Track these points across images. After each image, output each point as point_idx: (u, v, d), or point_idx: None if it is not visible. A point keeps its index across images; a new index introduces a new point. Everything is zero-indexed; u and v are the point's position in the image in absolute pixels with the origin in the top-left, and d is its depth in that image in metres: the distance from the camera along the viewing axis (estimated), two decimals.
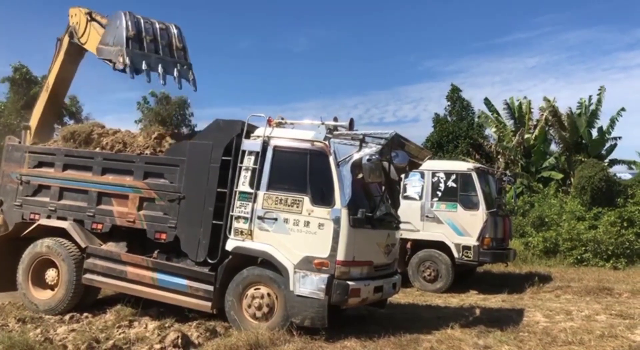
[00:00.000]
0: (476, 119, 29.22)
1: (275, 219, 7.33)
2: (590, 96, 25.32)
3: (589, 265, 16.99)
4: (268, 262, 7.40)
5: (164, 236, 8.02)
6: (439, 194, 12.78)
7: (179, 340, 6.59)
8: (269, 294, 7.34)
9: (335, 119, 7.43)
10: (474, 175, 12.55)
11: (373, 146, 7.29)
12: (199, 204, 7.79)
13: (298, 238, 7.19)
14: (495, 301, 10.99)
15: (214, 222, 7.69)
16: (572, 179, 22.94)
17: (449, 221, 12.36)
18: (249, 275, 7.48)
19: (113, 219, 8.41)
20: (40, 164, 9.10)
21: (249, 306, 7.39)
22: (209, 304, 7.63)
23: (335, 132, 7.42)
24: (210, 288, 7.61)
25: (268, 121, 7.76)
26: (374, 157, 7.06)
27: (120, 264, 8.17)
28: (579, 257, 17.43)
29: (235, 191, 7.60)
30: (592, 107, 25.08)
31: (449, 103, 30.97)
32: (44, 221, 8.75)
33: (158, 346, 6.46)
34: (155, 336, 6.91)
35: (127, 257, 8.19)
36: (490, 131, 28.27)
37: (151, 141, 9.03)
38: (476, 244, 12.17)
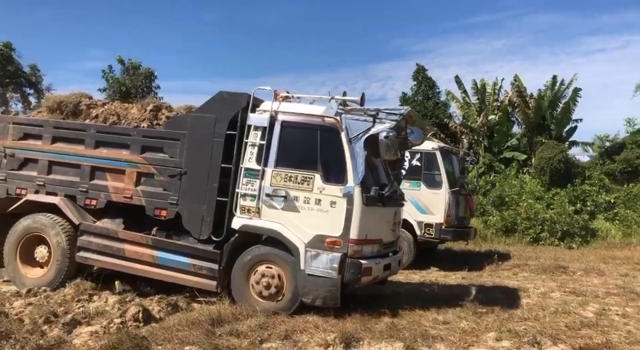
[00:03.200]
0: (442, 99, 29.45)
1: (285, 197, 7.14)
2: (554, 77, 25.70)
3: (545, 244, 17.48)
4: (274, 241, 7.24)
5: (164, 213, 7.76)
6: (403, 172, 12.87)
7: (140, 315, 6.50)
8: (277, 273, 7.18)
9: (344, 94, 7.26)
10: (438, 155, 12.66)
11: (387, 122, 7.11)
12: (202, 179, 7.53)
13: (309, 216, 7.03)
14: (455, 278, 11.21)
15: (218, 198, 7.47)
16: (533, 160, 23.44)
17: (412, 199, 12.47)
18: (256, 253, 7.30)
19: (108, 194, 8.07)
20: (26, 136, 8.58)
21: (257, 284, 7.20)
22: (214, 282, 7.42)
23: (346, 108, 7.25)
24: (215, 266, 7.40)
25: (275, 95, 7.48)
26: (391, 133, 6.87)
27: (118, 241, 7.86)
28: (535, 236, 17.90)
29: (241, 167, 7.36)
30: (556, 89, 25.52)
31: (415, 82, 31.08)
32: (32, 196, 8.33)
33: (118, 320, 6.36)
34: (116, 310, 6.80)
35: (124, 234, 7.89)
36: (456, 111, 28.57)
37: (147, 114, 8.63)
38: (438, 222, 12.35)
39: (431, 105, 28.70)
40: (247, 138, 7.38)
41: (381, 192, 7.17)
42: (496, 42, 69.61)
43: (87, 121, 8.65)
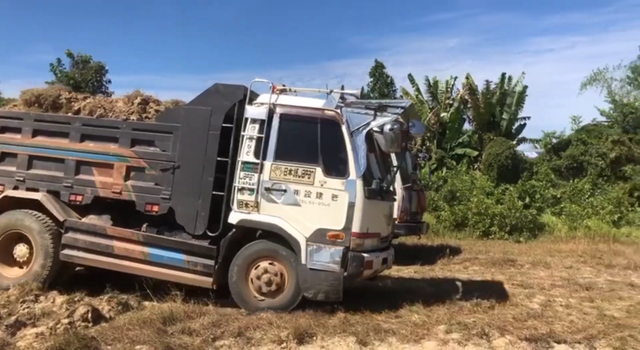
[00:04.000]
0: (397, 96, 29.77)
1: (284, 191, 7.06)
2: (503, 75, 26.33)
3: (494, 238, 17.94)
4: (271, 235, 7.15)
5: (156, 208, 7.58)
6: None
7: (89, 315, 6.38)
8: (278, 269, 7.11)
9: (342, 87, 7.29)
10: None
11: (388, 115, 7.11)
12: (197, 173, 7.39)
13: (310, 210, 6.96)
14: (408, 272, 11.37)
15: (214, 193, 7.33)
16: (482, 156, 24.01)
17: None
18: (256, 249, 7.21)
19: (95, 190, 7.82)
20: (3, 129, 8.24)
21: (257, 281, 7.10)
22: (210, 279, 7.27)
23: (346, 101, 7.20)
24: (211, 262, 7.26)
25: (272, 88, 7.38)
26: (396, 125, 6.92)
27: (106, 238, 7.61)
28: (485, 230, 18.36)
29: (239, 161, 7.25)
30: (504, 87, 26.17)
31: (371, 79, 31.32)
32: (10, 192, 7.98)
33: (66, 321, 6.22)
34: (64, 311, 6.64)
35: (113, 230, 7.65)
36: None
37: (135, 107, 8.33)
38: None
39: None
40: (244, 131, 7.27)
41: (382, 185, 7.23)
42: (450, 41, 71.05)
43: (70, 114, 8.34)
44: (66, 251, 7.72)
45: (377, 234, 7.48)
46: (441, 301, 7.74)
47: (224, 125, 7.37)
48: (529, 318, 6.89)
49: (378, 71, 31.03)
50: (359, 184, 6.90)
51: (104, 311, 6.75)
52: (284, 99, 7.35)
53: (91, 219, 7.85)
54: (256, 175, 7.13)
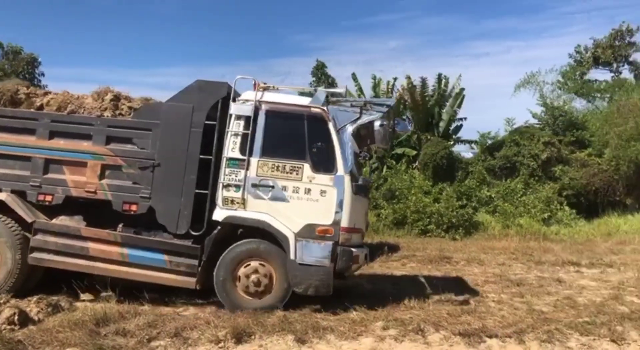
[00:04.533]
0: None
1: (272, 187, 7.07)
2: (439, 76, 26.93)
3: (432, 236, 18.37)
4: (256, 233, 7.12)
5: (134, 207, 7.33)
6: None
7: (15, 317, 6.12)
8: (266, 269, 7.07)
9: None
10: None
11: (374, 113, 7.25)
12: (179, 171, 7.21)
13: (298, 206, 7.01)
14: None
15: (196, 191, 7.12)
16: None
17: None
18: (243, 248, 7.13)
19: (67, 189, 7.45)
20: None
21: (245, 281, 7.03)
22: (193, 279, 7.12)
23: (332, 99, 7.24)
24: (194, 262, 7.11)
25: (254, 85, 7.34)
26: (385, 123, 7.10)
27: (80, 239, 7.29)
28: (423, 228, 18.76)
29: (223, 157, 7.15)
30: (442, 89, 26.80)
31: (314, 78, 31.38)
32: None
33: None
34: None
35: (88, 231, 7.33)
36: None
37: (107, 103, 7.94)
38: None
39: None
40: (229, 127, 7.19)
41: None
42: (392, 42, 72.15)
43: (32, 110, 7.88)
44: (35, 254, 7.35)
45: (360, 230, 7.66)
46: (379, 298, 7.86)
47: (206, 122, 7.27)
48: (462, 314, 7.09)
49: (320, 70, 31.11)
50: (347, 179, 7.03)
51: (32, 313, 6.48)
52: (268, 96, 7.37)
53: (62, 220, 7.50)
54: (242, 171, 7.09)
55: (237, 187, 7.10)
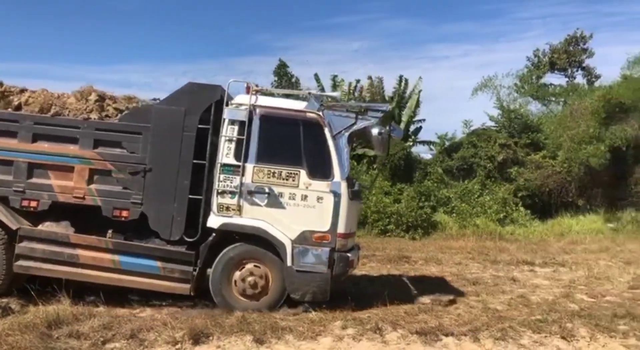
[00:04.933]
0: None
1: (268, 193, 6.99)
2: (400, 78, 27.23)
3: (391, 236, 18.56)
4: (251, 238, 7.05)
5: (125, 213, 7.12)
6: None
7: None
8: (262, 271, 7.04)
9: (322, 90, 7.26)
10: None
11: (370, 119, 7.21)
12: (171, 176, 7.05)
13: (295, 212, 6.97)
14: None
15: (190, 196, 7.02)
16: None
17: None
18: (239, 252, 7.06)
19: (53, 194, 7.16)
20: None
21: (241, 285, 6.99)
22: (187, 286, 7.00)
23: (327, 103, 7.17)
24: (189, 269, 7.01)
25: (247, 88, 7.24)
26: (384, 129, 7.13)
27: (69, 247, 7.05)
28: (383, 228, 18.94)
29: (218, 163, 7.03)
30: (402, 91, 27.11)
31: (276, 78, 31.27)
32: None
33: None
34: None
35: (77, 238, 7.09)
36: None
37: (92, 104, 7.64)
38: None
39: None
40: (223, 132, 7.06)
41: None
42: (354, 44, 72.34)
43: (10, 110, 7.53)
44: (21, 262, 7.10)
45: (354, 233, 7.71)
46: (340, 298, 7.90)
47: (199, 126, 7.11)
48: (420, 312, 7.19)
49: (282, 70, 31.03)
50: (344, 185, 7.01)
51: None
52: (264, 101, 7.29)
53: (49, 227, 7.25)
54: (237, 177, 6.99)
55: (233, 193, 7.01)
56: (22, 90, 7.99)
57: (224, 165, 7.05)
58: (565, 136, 22.46)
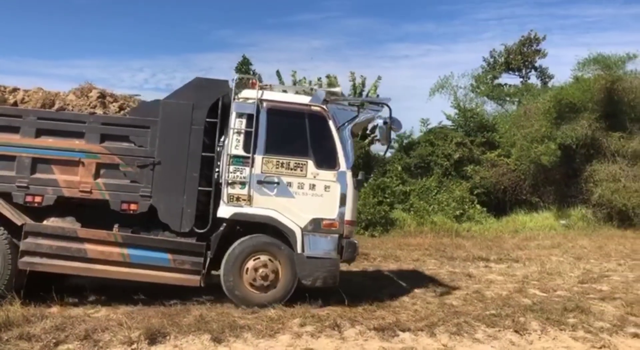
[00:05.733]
0: None
1: (277, 183, 7.23)
2: (362, 77, 27.41)
3: None
4: (258, 228, 7.23)
5: (134, 206, 7.13)
6: None
7: None
8: (271, 261, 7.21)
9: (328, 85, 7.35)
10: None
11: (371, 112, 7.80)
12: (180, 169, 7.15)
13: (304, 201, 7.23)
14: None
15: (199, 188, 7.12)
16: None
17: None
18: (250, 243, 7.21)
19: (59, 189, 7.06)
20: None
21: (252, 276, 7.14)
22: (197, 277, 7.11)
23: (330, 97, 7.54)
24: (199, 260, 7.12)
25: (252, 83, 7.56)
26: (388, 121, 7.58)
27: (77, 241, 6.97)
28: None
29: (227, 155, 7.21)
30: (361, 89, 27.29)
31: (237, 74, 31.01)
32: None
33: None
34: None
35: (85, 232, 7.02)
36: None
37: (94, 101, 7.58)
38: None
39: None
40: (231, 125, 7.27)
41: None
42: (314, 42, 72.39)
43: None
44: (26, 259, 6.96)
45: (355, 221, 7.99)
46: (298, 295, 7.91)
47: (207, 119, 7.28)
48: (378, 309, 7.29)
49: (245, 67, 30.80)
50: (349, 175, 7.36)
51: None
52: (270, 94, 7.53)
53: (55, 222, 7.13)
54: (247, 168, 7.20)
55: (243, 184, 7.21)
56: (15, 89, 7.91)
57: (234, 156, 7.25)
58: (518, 135, 23.06)
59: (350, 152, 7.50)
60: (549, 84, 30.64)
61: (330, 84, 26.35)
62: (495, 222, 21.60)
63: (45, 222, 7.16)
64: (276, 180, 7.27)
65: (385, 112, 7.94)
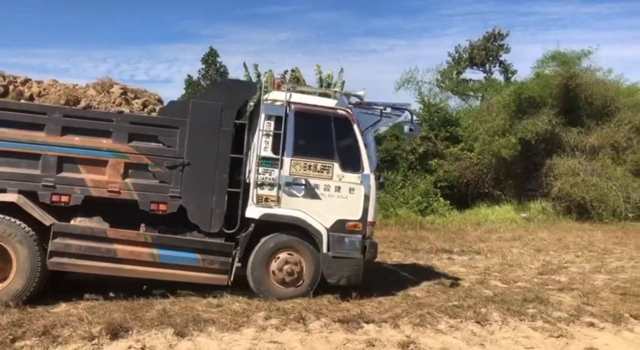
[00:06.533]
0: None
1: (305, 185, 7.35)
2: (328, 73, 27.40)
3: None
4: (284, 228, 7.35)
5: (163, 207, 7.08)
6: None
7: None
8: (297, 259, 7.36)
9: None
10: None
11: (392, 116, 8.13)
12: (210, 170, 7.16)
13: (330, 202, 7.40)
14: None
15: (229, 189, 7.18)
16: None
17: None
18: (277, 242, 7.35)
19: (86, 189, 6.90)
20: None
21: (278, 273, 7.28)
22: (225, 276, 7.21)
23: (353, 101, 7.74)
24: (227, 260, 7.22)
25: (277, 85, 7.62)
26: (413, 127, 7.95)
27: (106, 242, 6.89)
28: None
29: (256, 156, 7.28)
30: (327, 82, 27.27)
31: (203, 66, 30.64)
32: None
33: None
34: None
35: (115, 233, 6.94)
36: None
37: (117, 97, 7.42)
38: None
39: None
40: (260, 127, 7.34)
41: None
42: (282, 34, 72.17)
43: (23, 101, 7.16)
44: (55, 259, 6.81)
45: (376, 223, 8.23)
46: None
47: (236, 121, 7.33)
48: (342, 301, 7.33)
49: (211, 58, 30.45)
50: (372, 177, 7.57)
51: None
52: (297, 97, 7.62)
53: (81, 222, 6.97)
54: (276, 170, 7.32)
55: (272, 185, 7.32)
56: (27, 80, 7.70)
57: (263, 158, 7.34)
58: (481, 129, 23.44)
59: (374, 155, 7.79)
60: (512, 79, 31.19)
61: (296, 78, 26.27)
62: (459, 215, 21.94)
63: (72, 222, 7.01)
64: (303, 182, 7.41)
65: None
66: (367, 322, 6.39)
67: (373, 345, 5.70)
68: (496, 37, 34.23)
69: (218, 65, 30.69)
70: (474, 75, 34.30)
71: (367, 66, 65.79)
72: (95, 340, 5.42)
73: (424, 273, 10.20)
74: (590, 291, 8.57)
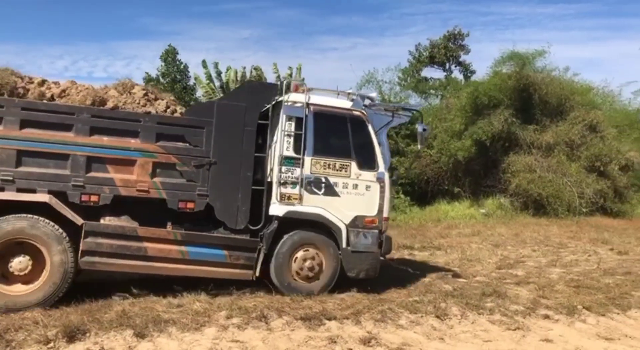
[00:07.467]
0: (191, 83, 29.13)
1: (325, 183, 7.69)
2: (290, 70, 27.43)
3: None
4: (304, 224, 7.64)
5: (191, 205, 7.30)
6: None
7: None
8: (317, 255, 7.66)
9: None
10: None
11: (404, 117, 8.56)
12: (235, 169, 7.42)
13: (348, 199, 7.78)
14: None
15: (253, 187, 7.43)
16: None
17: None
18: (299, 238, 7.64)
19: (115, 188, 7.01)
20: None
21: (300, 268, 7.60)
22: (250, 272, 7.49)
23: (367, 102, 8.05)
24: (253, 255, 7.49)
25: (295, 87, 7.78)
26: (426, 127, 8.44)
27: (136, 240, 7.05)
28: None
29: (279, 156, 7.55)
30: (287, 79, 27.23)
31: (163, 63, 30.17)
32: (4, 195, 6.57)
33: None
34: None
35: (145, 231, 7.11)
36: (201, 95, 28.58)
37: (140, 98, 7.43)
38: None
39: (179, 87, 28.23)
40: (282, 127, 7.61)
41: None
42: (243, 32, 71.83)
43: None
44: (87, 258, 6.91)
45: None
46: (224, 287, 7.84)
47: (259, 121, 7.59)
48: (305, 299, 7.33)
49: (170, 56, 29.99)
50: (387, 175, 7.99)
51: None
52: (315, 99, 7.88)
53: (110, 221, 7.11)
54: (298, 169, 7.62)
55: (294, 183, 7.62)
56: (43, 81, 7.56)
57: (285, 157, 7.63)
58: (440, 128, 23.77)
59: (387, 154, 8.18)
60: (472, 78, 31.72)
61: (258, 76, 26.19)
62: (419, 212, 22.21)
63: (102, 221, 7.09)
64: (324, 180, 7.75)
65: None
66: (329, 319, 6.43)
67: (335, 342, 5.75)
68: (456, 36, 34.73)
69: (178, 62, 30.25)
70: (434, 73, 34.82)
71: (328, 64, 66.10)
72: (51, 344, 5.32)
73: (385, 269, 10.29)
74: (546, 284, 8.83)
